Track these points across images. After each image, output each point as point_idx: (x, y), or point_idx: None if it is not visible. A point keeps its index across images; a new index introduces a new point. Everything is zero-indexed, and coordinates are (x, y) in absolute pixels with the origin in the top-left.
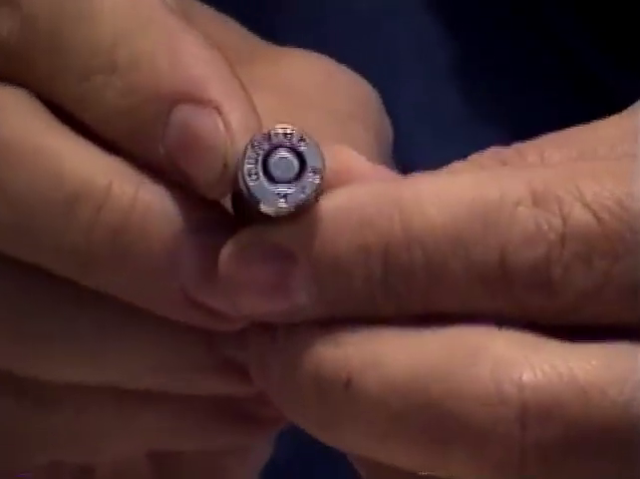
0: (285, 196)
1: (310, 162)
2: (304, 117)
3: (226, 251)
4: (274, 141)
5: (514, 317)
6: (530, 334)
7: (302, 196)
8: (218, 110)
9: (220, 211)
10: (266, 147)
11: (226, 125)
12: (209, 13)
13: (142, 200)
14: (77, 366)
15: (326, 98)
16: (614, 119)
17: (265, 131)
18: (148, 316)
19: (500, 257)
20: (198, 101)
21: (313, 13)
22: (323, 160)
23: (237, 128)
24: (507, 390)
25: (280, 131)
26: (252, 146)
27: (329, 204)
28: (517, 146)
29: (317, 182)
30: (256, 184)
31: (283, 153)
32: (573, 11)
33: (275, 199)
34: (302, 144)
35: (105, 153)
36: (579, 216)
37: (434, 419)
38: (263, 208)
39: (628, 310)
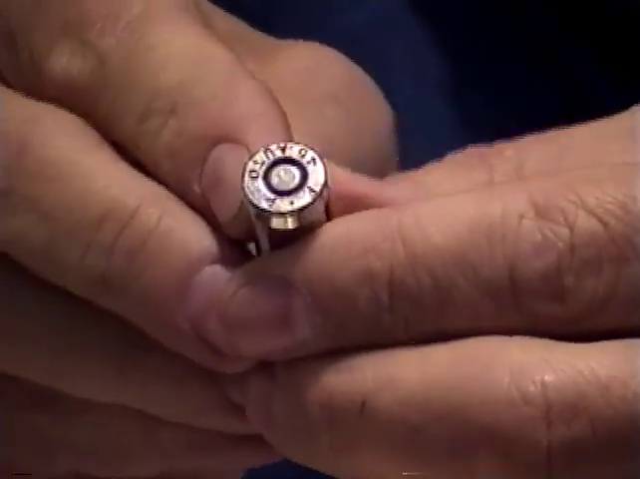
0: (273, 202)
1: (310, 181)
2: None
3: (226, 290)
4: (287, 154)
5: (524, 329)
6: (542, 339)
7: (288, 207)
8: (248, 150)
9: (242, 249)
10: (277, 156)
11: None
12: (228, 17)
13: (164, 225)
14: (85, 385)
15: (306, 83)
16: (591, 124)
17: (283, 143)
18: (156, 348)
19: (509, 272)
20: (233, 141)
21: (311, 25)
22: (325, 185)
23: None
24: (531, 391)
25: (296, 147)
26: (265, 151)
27: (327, 233)
28: (498, 145)
29: (307, 201)
30: (251, 182)
31: (290, 167)
32: (573, 29)
33: (262, 199)
34: (311, 165)
35: (140, 175)
36: (585, 223)
37: (456, 429)
38: (246, 203)
39: (638, 313)
